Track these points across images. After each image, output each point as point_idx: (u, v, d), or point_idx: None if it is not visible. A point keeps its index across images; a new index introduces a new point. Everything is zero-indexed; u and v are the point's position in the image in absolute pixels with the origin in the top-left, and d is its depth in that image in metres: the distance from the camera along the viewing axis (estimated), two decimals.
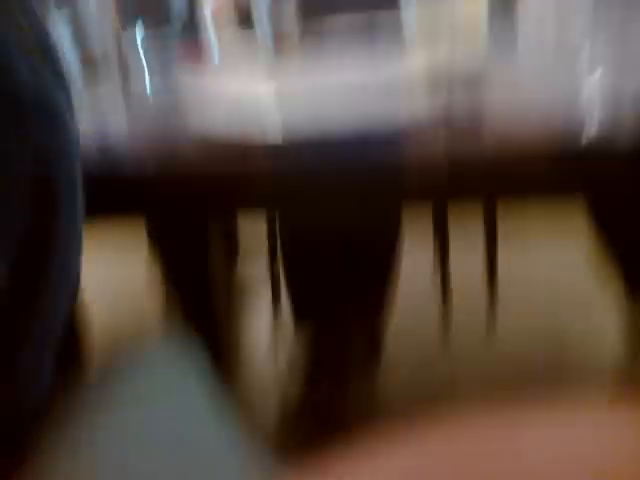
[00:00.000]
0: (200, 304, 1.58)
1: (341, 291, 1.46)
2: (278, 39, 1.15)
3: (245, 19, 1.39)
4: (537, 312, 1.98)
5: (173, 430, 0.52)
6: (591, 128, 0.59)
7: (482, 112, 0.65)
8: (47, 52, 0.46)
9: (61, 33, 0.82)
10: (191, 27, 1.62)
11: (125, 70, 1.02)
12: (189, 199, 0.68)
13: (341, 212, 0.69)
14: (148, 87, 1.33)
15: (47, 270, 0.45)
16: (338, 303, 1.46)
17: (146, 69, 1.42)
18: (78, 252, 0.48)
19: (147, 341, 0.62)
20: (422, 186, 0.58)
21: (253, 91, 0.90)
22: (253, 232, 2.02)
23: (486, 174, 0.54)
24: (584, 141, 0.55)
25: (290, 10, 1.16)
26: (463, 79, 0.99)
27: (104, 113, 0.82)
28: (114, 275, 2.35)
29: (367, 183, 0.57)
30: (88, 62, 0.83)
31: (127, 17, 1.40)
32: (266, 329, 1.88)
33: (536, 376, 1.64)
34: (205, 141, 0.65)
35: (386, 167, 0.55)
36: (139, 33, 1.40)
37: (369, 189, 0.59)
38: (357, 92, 0.79)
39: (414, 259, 1.62)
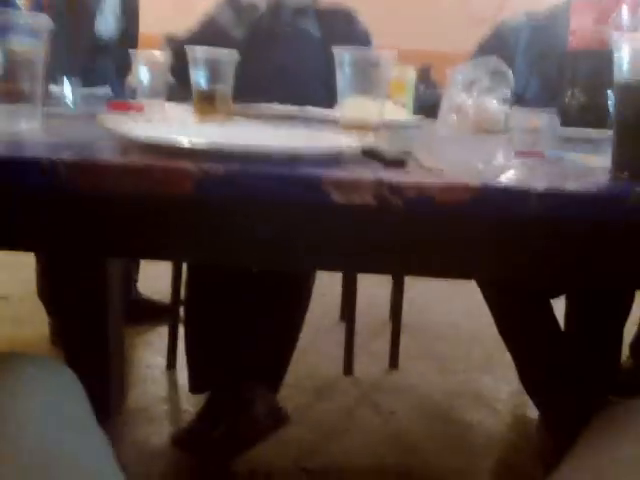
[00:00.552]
0: (91, 329, 1.50)
1: (241, 356, 1.44)
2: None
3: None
4: (438, 349, 2.05)
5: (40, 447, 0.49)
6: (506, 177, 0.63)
7: (408, 150, 0.67)
8: None
9: None
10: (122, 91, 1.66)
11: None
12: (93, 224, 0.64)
13: (259, 244, 0.67)
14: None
15: None
16: (236, 370, 1.43)
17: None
18: None
19: (25, 361, 0.59)
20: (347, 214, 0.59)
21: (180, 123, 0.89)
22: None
23: (409, 200, 0.54)
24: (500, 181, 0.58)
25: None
26: (390, 125, 1.05)
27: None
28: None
29: (294, 204, 0.57)
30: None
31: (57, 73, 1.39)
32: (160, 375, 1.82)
33: (435, 412, 1.67)
34: (128, 143, 0.61)
35: (312, 187, 0.55)
36: (67, 88, 1.40)
37: (297, 207, 0.58)
38: (286, 132, 0.80)
39: (322, 292, 1.63)
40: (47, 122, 0.90)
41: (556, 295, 1.59)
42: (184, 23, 1.95)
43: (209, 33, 1.84)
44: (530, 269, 0.73)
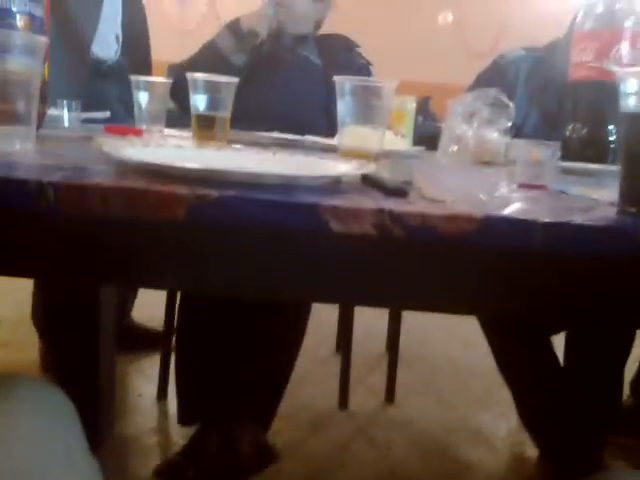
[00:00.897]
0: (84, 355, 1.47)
1: (232, 389, 1.40)
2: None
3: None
4: (436, 382, 2.01)
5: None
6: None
7: (410, 180, 0.65)
8: None
9: None
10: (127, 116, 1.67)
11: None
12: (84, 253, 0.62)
13: (253, 274, 0.65)
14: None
15: None
16: (226, 404, 1.39)
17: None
18: None
19: (19, 382, 0.58)
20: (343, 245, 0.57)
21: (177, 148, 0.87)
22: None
23: (411, 229, 0.52)
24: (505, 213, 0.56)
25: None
26: (390, 155, 1.04)
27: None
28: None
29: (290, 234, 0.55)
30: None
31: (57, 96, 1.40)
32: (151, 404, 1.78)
33: (433, 448, 1.62)
34: (122, 166, 0.60)
35: (310, 214, 0.53)
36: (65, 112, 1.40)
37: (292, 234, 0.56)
38: (284, 158, 0.79)
39: (318, 322, 1.61)
40: (42, 144, 0.89)
41: (556, 332, 1.57)
42: (189, 50, 1.96)
43: (209, 58, 1.84)
44: (532, 304, 0.71)
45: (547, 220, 0.54)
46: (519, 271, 0.66)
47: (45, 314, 1.81)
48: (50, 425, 0.55)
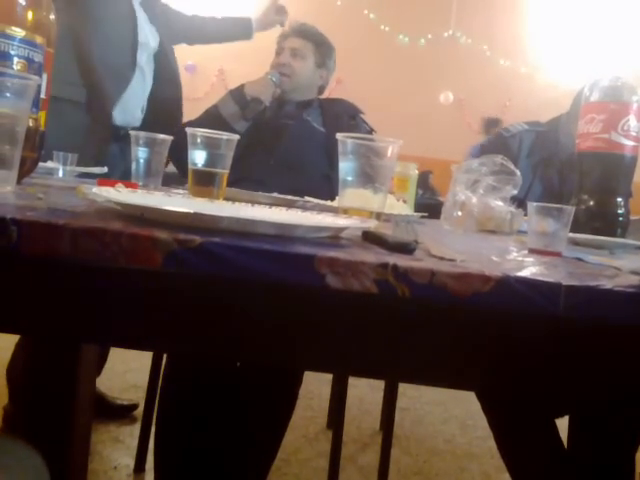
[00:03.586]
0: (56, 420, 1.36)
1: (215, 465, 1.29)
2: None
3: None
4: (431, 465, 1.87)
5: None
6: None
7: (415, 238, 0.59)
8: None
9: None
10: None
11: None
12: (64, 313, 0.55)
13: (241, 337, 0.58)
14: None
15: None
16: None
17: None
18: None
19: None
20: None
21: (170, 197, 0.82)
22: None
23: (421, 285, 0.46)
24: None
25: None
26: (393, 218, 0.99)
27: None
28: None
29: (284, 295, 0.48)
30: None
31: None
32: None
33: None
34: (102, 210, 0.54)
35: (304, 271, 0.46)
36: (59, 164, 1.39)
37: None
38: (280, 212, 0.74)
39: (309, 396, 1.50)
40: (24, 188, 0.84)
41: (561, 414, 1.47)
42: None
43: (212, 123, 1.83)
44: (542, 379, 0.64)
45: (572, 283, 0.48)
46: (530, 340, 0.60)
47: (23, 371, 1.72)
48: None
